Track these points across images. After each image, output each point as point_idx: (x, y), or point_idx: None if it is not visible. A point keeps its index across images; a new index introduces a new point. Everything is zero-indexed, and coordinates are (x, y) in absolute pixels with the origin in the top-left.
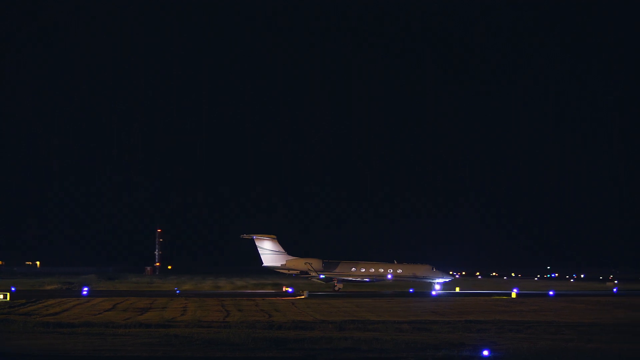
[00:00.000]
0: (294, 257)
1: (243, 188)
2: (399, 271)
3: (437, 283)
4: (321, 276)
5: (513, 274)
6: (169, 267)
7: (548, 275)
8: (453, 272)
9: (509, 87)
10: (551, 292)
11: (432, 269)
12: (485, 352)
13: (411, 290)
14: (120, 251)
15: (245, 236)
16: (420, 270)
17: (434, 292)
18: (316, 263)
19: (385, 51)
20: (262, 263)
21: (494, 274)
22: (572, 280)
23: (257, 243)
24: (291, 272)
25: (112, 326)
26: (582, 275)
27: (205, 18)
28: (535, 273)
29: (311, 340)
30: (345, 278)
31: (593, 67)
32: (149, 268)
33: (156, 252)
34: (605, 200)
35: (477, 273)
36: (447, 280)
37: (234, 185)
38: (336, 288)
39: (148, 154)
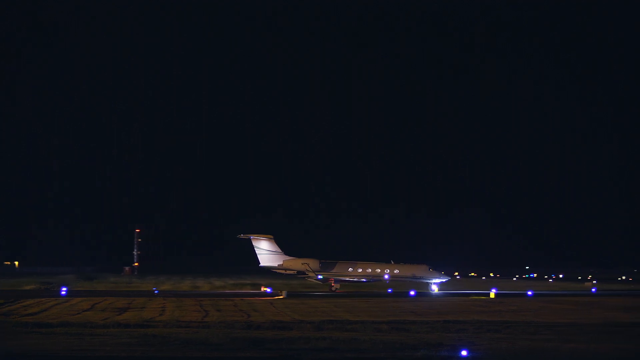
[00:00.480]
0: (291, 257)
1: (243, 188)
2: (396, 271)
3: (434, 283)
4: (319, 277)
5: (492, 274)
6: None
7: (527, 276)
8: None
9: (509, 87)
10: (530, 292)
11: (429, 269)
12: (464, 352)
13: (390, 291)
14: (100, 251)
15: (243, 236)
16: (416, 270)
17: (411, 293)
18: (313, 263)
19: (385, 51)
20: (259, 263)
21: (472, 274)
22: (550, 280)
23: (254, 243)
24: (288, 272)
25: (90, 326)
26: (560, 276)
27: (205, 18)
28: (515, 273)
29: (289, 341)
30: (342, 278)
31: (593, 67)
32: (127, 268)
33: (135, 252)
34: (605, 200)
35: (456, 273)
36: (443, 280)
37: (233, 185)
38: (333, 288)
39: (148, 154)
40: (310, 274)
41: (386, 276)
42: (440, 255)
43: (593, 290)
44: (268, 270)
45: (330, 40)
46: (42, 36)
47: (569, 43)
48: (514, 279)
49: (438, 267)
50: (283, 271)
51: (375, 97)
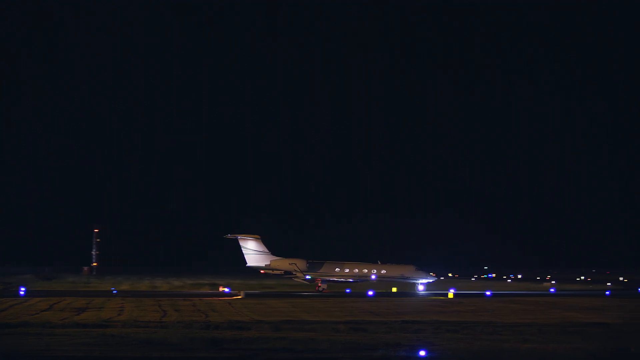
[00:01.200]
0: (279, 258)
1: (242, 188)
2: (383, 272)
3: (421, 284)
4: (307, 277)
5: (450, 274)
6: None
7: (485, 276)
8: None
9: (509, 87)
10: (488, 293)
11: (415, 269)
12: (422, 353)
13: (347, 291)
14: (58, 251)
15: (230, 236)
16: (404, 270)
17: (370, 293)
18: (300, 263)
19: (385, 51)
20: (246, 263)
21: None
22: (509, 280)
23: (241, 243)
24: (275, 272)
25: (49, 326)
26: (519, 276)
27: (205, 18)
28: (474, 273)
29: (248, 341)
30: (330, 278)
31: (593, 67)
32: (86, 268)
33: (93, 252)
34: (605, 200)
35: None
36: (430, 280)
37: (232, 186)
38: (320, 288)
39: (148, 154)
40: (298, 274)
41: (373, 276)
42: (423, 256)
43: (552, 290)
44: (255, 271)
45: (330, 40)
46: (42, 36)
47: (569, 43)
48: (473, 279)
49: (424, 268)
50: (270, 271)
51: (375, 97)
